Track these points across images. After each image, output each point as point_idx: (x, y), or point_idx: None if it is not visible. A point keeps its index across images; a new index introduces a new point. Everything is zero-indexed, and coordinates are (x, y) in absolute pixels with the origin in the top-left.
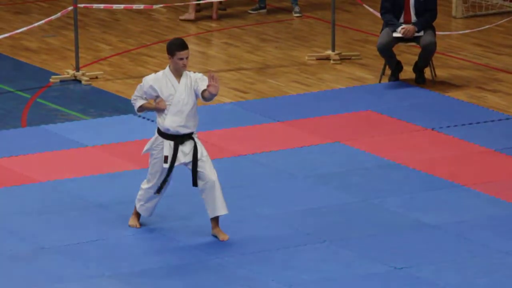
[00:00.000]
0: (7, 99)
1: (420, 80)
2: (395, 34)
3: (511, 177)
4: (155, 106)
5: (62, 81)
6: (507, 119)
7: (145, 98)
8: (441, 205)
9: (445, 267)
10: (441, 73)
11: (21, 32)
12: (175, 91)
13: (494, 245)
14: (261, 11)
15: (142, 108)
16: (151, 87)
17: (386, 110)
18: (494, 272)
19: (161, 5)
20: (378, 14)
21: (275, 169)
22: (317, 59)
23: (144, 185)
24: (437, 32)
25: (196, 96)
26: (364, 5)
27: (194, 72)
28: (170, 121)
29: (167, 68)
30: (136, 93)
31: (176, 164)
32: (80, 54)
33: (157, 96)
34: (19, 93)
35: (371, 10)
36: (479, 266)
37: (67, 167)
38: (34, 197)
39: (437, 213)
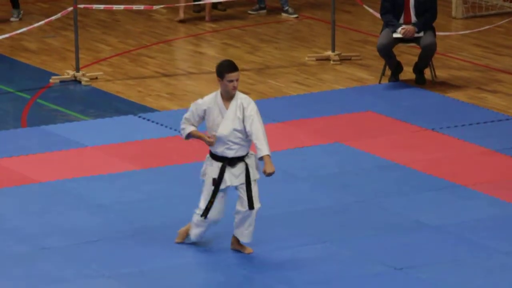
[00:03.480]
0: (7, 100)
1: (420, 81)
2: (395, 35)
3: (511, 177)
4: (205, 141)
5: (62, 81)
6: (507, 119)
7: (197, 121)
8: (441, 205)
9: (445, 267)
10: (441, 73)
11: (21, 33)
12: (222, 119)
13: (494, 245)
14: (261, 11)
15: (190, 135)
16: (204, 111)
17: (386, 110)
18: (494, 272)
19: (161, 6)
20: (378, 15)
21: (275, 169)
22: (317, 60)
23: (197, 211)
24: (437, 33)
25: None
26: (364, 5)
27: (245, 95)
28: (217, 145)
29: (218, 92)
30: (187, 116)
31: (222, 186)
32: (80, 55)
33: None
34: (19, 93)
35: (371, 10)
36: (479, 266)
37: (67, 167)
38: (34, 197)
39: (437, 213)
